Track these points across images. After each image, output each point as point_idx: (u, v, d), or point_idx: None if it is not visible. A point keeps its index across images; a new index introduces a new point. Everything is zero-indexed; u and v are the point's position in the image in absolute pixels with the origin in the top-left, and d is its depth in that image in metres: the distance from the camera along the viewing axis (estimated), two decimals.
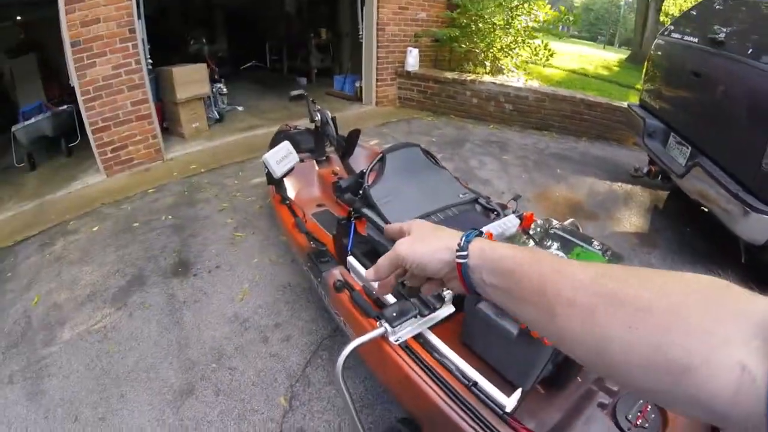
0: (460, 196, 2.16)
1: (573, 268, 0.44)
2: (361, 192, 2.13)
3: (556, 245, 1.57)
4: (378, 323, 1.39)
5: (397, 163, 2.20)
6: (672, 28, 3.83)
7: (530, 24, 6.45)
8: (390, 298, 1.56)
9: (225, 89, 5.32)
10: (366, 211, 2.01)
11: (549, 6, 6.61)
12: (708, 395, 0.32)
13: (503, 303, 0.50)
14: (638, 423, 1.36)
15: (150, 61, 4.13)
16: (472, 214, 2.04)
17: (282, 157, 2.47)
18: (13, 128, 4.03)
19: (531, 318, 0.47)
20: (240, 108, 5.75)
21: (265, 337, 2.22)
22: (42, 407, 1.86)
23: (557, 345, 0.45)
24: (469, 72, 6.45)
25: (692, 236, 3.56)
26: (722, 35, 3.10)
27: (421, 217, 1.93)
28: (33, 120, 4.05)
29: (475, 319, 1.47)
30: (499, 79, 6.21)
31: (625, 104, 4.76)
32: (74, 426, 1.78)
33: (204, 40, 5.76)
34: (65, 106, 4.21)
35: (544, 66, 8.29)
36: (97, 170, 3.87)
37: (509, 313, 0.50)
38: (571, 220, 1.86)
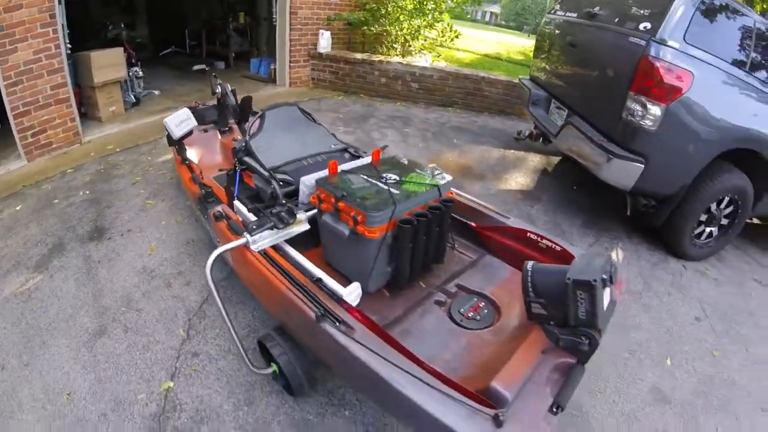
0: (332, 146, 2.61)
1: None
2: (244, 144, 2.49)
3: (396, 171, 2.04)
4: (242, 235, 1.79)
5: (276, 119, 2.59)
6: (557, 7, 4.31)
7: (438, 7, 6.95)
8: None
9: (141, 72, 5.50)
10: (247, 159, 2.43)
11: None
12: None
13: None
14: (469, 315, 1.81)
15: (69, 45, 4.33)
16: (338, 160, 2.34)
17: (180, 121, 2.86)
18: None
19: None
20: (156, 92, 5.94)
21: (169, 283, 2.65)
22: None
23: None
24: (381, 54, 6.91)
25: (579, 194, 4.03)
26: (597, 9, 3.53)
27: (292, 162, 2.39)
28: None
29: (323, 230, 1.95)
30: (406, 59, 6.70)
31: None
32: (2, 374, 2.08)
33: (122, 25, 5.85)
34: None
35: (448, 47, 8.83)
36: (18, 156, 4.06)
37: None
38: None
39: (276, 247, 1.92)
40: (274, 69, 6.68)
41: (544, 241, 2.01)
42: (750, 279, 3.38)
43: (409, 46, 7.07)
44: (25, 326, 2.37)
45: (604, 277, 1.33)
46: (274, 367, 1.84)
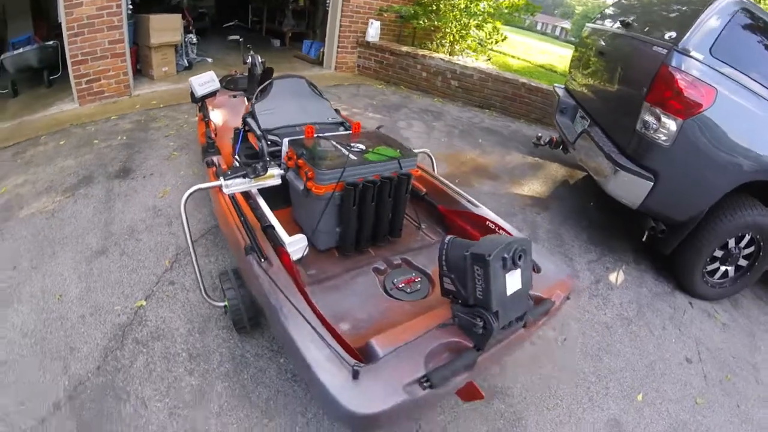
0: (329, 119, 2.79)
1: None
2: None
3: (369, 143, 2.18)
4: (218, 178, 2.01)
5: (282, 88, 2.78)
6: (599, 16, 4.18)
7: (489, 8, 6.98)
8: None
9: (195, 40, 5.92)
10: (249, 120, 2.66)
11: None
12: None
13: None
14: (400, 286, 1.92)
15: (130, 6, 4.76)
16: (329, 130, 2.50)
17: (204, 82, 3.13)
18: (2, 56, 4.64)
19: None
20: (209, 60, 6.35)
21: (170, 222, 2.93)
22: None
23: None
24: (430, 49, 7.03)
25: (595, 211, 3.84)
26: (632, 18, 3.36)
27: (287, 127, 2.58)
28: (21, 50, 4.65)
29: (290, 187, 2.13)
30: (449, 57, 6.78)
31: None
32: (13, 272, 2.44)
33: None
34: (51, 42, 4.81)
35: (502, 53, 8.80)
36: (72, 100, 4.53)
37: None
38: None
39: (249, 197, 2.13)
40: (323, 52, 6.95)
41: (501, 231, 2.08)
42: (764, 331, 3.08)
43: (457, 44, 7.14)
44: (42, 238, 2.72)
45: (505, 256, 1.30)
46: (226, 302, 2.02)
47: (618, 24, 3.57)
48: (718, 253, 3.00)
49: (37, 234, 2.75)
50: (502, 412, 2.02)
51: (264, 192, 2.21)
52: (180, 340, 2.09)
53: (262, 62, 3.61)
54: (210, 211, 3.03)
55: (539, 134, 4.69)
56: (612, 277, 3.15)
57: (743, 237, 2.96)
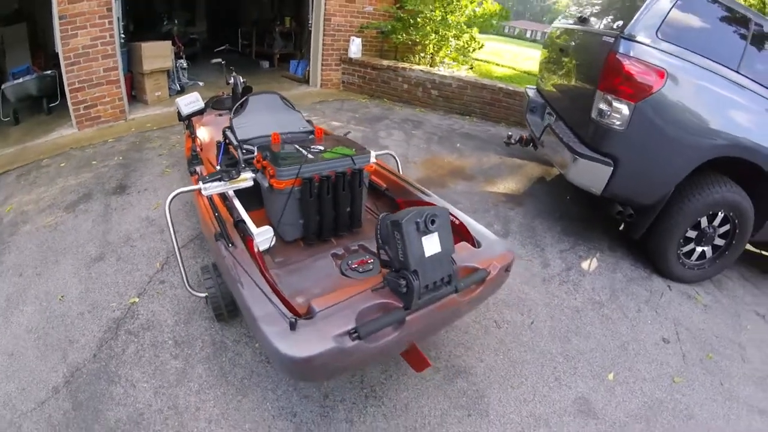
0: (300, 128, 3.06)
1: None
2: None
3: (329, 145, 2.43)
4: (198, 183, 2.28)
5: (258, 103, 3.05)
6: (562, 15, 4.27)
7: (464, 17, 7.29)
8: None
9: (186, 64, 6.26)
10: (228, 132, 2.94)
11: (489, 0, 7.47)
12: None
13: None
14: (354, 267, 2.17)
15: (123, 36, 5.10)
16: (300, 138, 2.73)
17: (189, 102, 3.43)
18: (3, 86, 4.96)
19: None
20: (201, 83, 6.68)
21: (162, 230, 3.19)
22: None
23: None
24: (412, 62, 7.35)
25: (571, 205, 3.94)
26: (588, 13, 3.45)
27: (262, 137, 2.81)
28: (21, 80, 4.98)
29: (261, 187, 2.38)
30: (428, 68, 7.08)
31: None
32: (19, 279, 2.71)
33: (175, 21, 6.67)
34: (50, 71, 5.14)
35: (487, 61, 9.11)
36: (71, 125, 4.84)
37: None
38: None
39: (225, 198, 2.39)
40: (309, 70, 7.28)
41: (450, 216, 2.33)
42: (751, 311, 3.06)
43: (437, 55, 7.45)
44: (46, 248, 2.99)
45: (418, 220, 1.47)
46: (206, 293, 2.26)
47: (576, 20, 3.65)
48: (692, 234, 3.02)
49: (41, 245, 3.02)
50: (465, 390, 2.12)
51: (242, 195, 2.47)
52: (167, 329, 2.35)
53: (243, 82, 3.91)
54: (198, 220, 3.30)
55: (509, 133, 4.86)
56: (585, 264, 3.22)
57: (716, 215, 2.97)
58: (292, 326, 1.42)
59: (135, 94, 5.74)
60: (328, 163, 2.25)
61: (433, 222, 1.50)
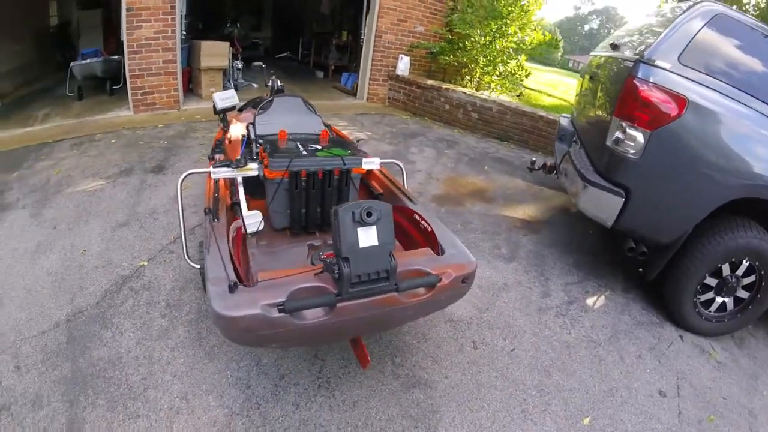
0: (315, 131, 3.27)
1: None
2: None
3: (328, 145, 2.60)
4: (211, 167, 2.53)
5: (281, 104, 3.29)
6: (602, 44, 4.11)
7: (512, 43, 7.38)
8: None
9: (241, 66, 6.70)
10: (250, 127, 3.19)
11: (540, 30, 7.54)
12: None
13: None
14: (322, 257, 2.17)
15: (184, 32, 5.57)
16: (307, 138, 2.90)
17: (226, 98, 3.71)
18: (72, 64, 5.53)
19: None
20: (255, 85, 7.11)
21: (184, 208, 3.45)
22: (36, 220, 3.17)
23: None
24: (458, 84, 7.50)
25: (592, 238, 3.80)
26: (621, 39, 3.29)
27: (275, 135, 3.05)
28: (88, 61, 5.53)
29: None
30: (471, 90, 7.20)
31: None
32: (52, 231, 3.05)
33: (238, 24, 7.17)
34: (116, 57, 5.67)
35: (538, 90, 9.10)
36: (128, 108, 5.32)
37: None
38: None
39: (233, 185, 2.61)
40: (357, 84, 7.59)
41: (423, 222, 2.36)
42: None
43: (481, 80, 7.57)
44: (82, 210, 3.33)
45: (354, 211, 1.53)
46: (200, 265, 2.43)
47: (608, 47, 3.49)
48: (712, 282, 2.73)
49: (78, 206, 3.37)
50: (419, 402, 2.08)
51: (253, 185, 2.67)
52: (164, 292, 2.57)
53: (281, 85, 4.19)
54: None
55: (534, 159, 4.72)
56: (590, 300, 3.01)
57: (739, 264, 2.67)
58: (231, 289, 1.55)
59: (192, 88, 6.20)
60: (319, 161, 2.40)
61: (369, 215, 1.55)
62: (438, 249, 2.10)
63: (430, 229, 2.26)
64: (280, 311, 1.54)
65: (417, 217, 2.41)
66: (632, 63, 2.61)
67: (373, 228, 1.59)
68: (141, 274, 2.70)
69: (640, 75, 2.52)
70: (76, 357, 2.07)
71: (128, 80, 5.10)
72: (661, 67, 2.50)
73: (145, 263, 2.80)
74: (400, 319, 2.09)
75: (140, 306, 2.44)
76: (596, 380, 2.35)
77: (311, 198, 2.42)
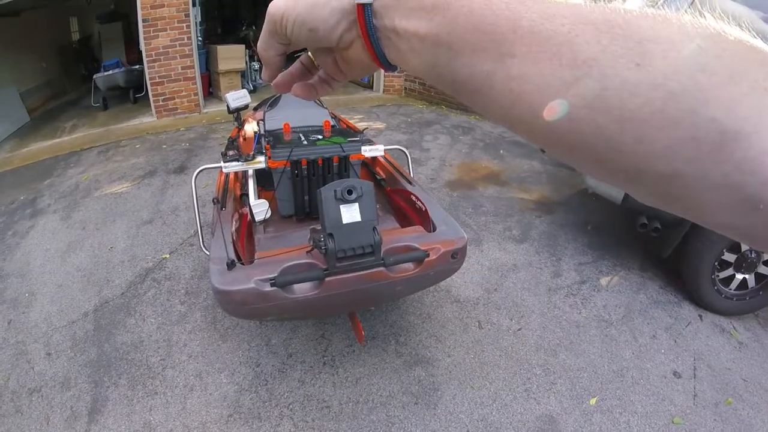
0: (320, 122, 3.38)
1: None
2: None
3: (330, 134, 2.70)
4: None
5: (289, 99, 3.43)
6: None
7: None
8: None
9: (257, 67, 6.87)
10: (260, 123, 3.32)
11: None
12: (755, 171, 0.21)
13: (430, 63, 0.29)
14: (321, 240, 2.46)
15: (200, 38, 5.77)
16: (311, 130, 3.00)
17: (238, 97, 3.86)
18: (95, 76, 5.82)
19: (473, 75, 0.27)
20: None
21: (204, 204, 3.62)
22: (66, 222, 3.41)
23: (511, 118, 0.28)
24: None
25: (611, 217, 3.61)
26: None
27: (286, 128, 3.20)
28: (110, 72, 5.80)
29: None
30: None
31: None
32: (81, 231, 3.28)
33: (253, 27, 7.33)
34: (137, 66, 5.94)
35: None
36: (151, 114, 5.57)
37: (439, 81, 0.30)
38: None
39: (244, 177, 2.74)
40: (373, 76, 7.66)
41: (418, 202, 2.43)
42: None
43: None
44: (108, 211, 3.54)
45: (336, 189, 1.61)
46: None
47: None
48: (730, 257, 2.57)
49: (105, 208, 3.58)
50: (420, 379, 2.10)
51: (266, 177, 2.80)
52: (183, 281, 2.73)
53: None
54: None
55: None
56: (603, 280, 2.88)
57: None
58: (229, 267, 1.67)
59: (212, 91, 6.42)
60: (319, 150, 2.49)
61: (350, 192, 1.63)
62: (430, 226, 2.16)
63: (424, 209, 2.32)
64: (272, 285, 1.65)
65: (413, 198, 2.49)
66: None
67: (356, 205, 1.67)
68: (163, 266, 2.86)
69: None
70: (101, 343, 2.25)
71: (149, 88, 5.33)
72: None
73: (167, 256, 2.97)
74: (390, 294, 2.12)
75: (161, 294, 2.61)
76: (606, 360, 2.24)
77: (313, 185, 2.52)
